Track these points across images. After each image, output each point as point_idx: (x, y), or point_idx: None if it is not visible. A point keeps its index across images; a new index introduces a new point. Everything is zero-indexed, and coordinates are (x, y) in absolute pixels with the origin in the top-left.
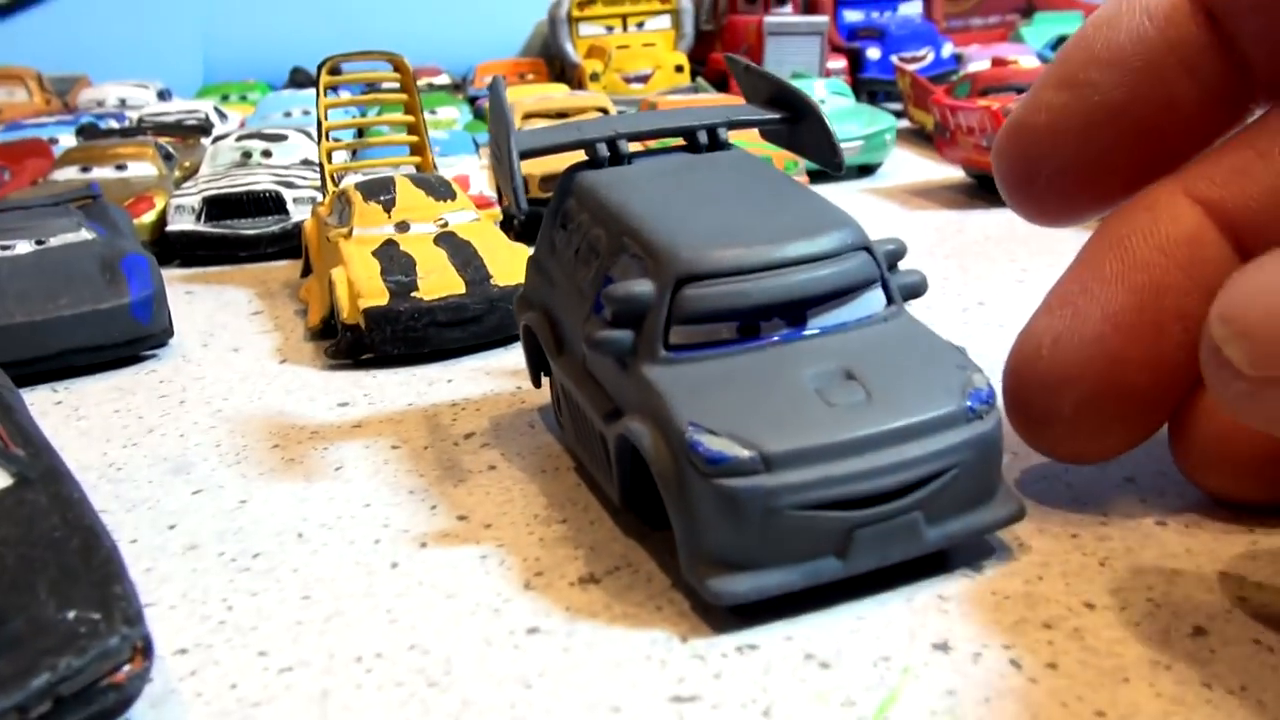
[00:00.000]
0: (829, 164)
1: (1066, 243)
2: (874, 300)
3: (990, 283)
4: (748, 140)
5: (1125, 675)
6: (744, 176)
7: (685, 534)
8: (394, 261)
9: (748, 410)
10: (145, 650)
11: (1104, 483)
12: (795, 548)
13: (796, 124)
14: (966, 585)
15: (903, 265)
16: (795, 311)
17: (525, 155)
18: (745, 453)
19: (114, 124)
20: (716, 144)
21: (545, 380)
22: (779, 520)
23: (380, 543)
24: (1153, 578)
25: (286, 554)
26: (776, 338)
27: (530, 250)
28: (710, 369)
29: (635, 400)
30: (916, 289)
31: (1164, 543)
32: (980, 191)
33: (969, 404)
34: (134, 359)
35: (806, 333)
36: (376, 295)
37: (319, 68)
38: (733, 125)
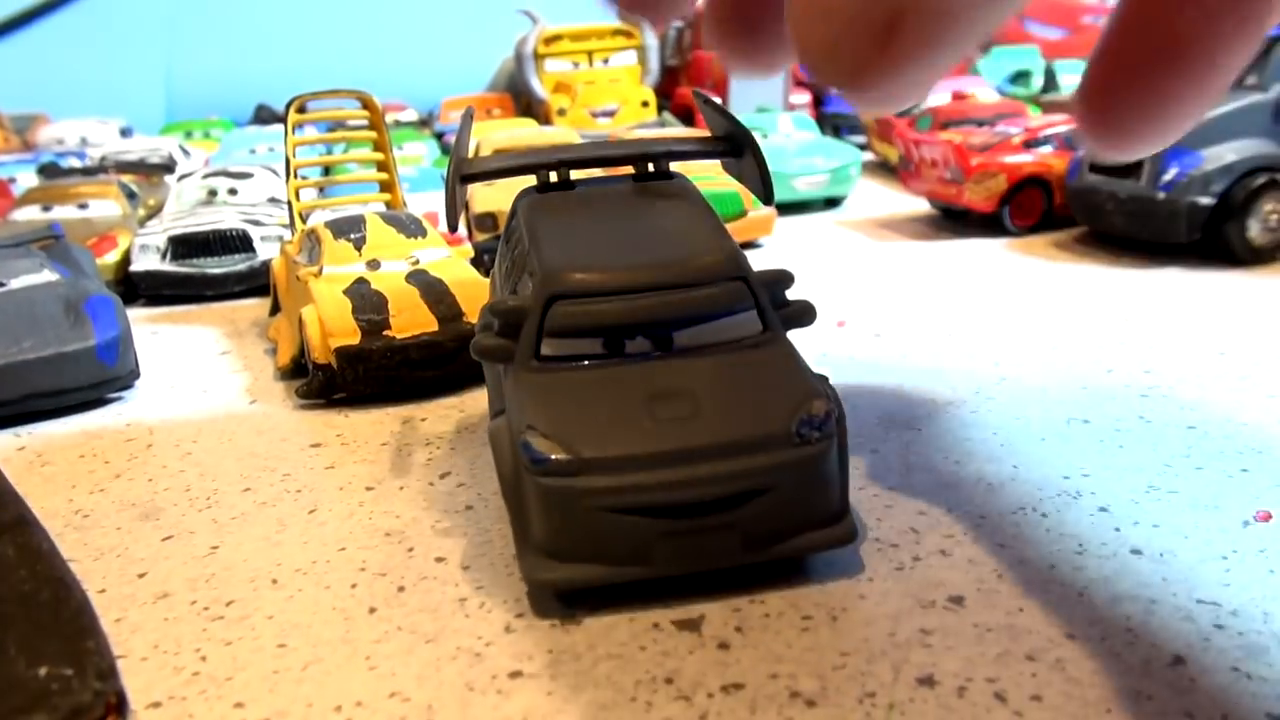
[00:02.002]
0: (761, 197)
1: (1050, 275)
2: (746, 324)
3: (960, 311)
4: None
5: (1108, 706)
6: (665, 205)
7: (516, 523)
8: (365, 300)
9: (581, 418)
10: (119, 706)
11: (1078, 512)
12: (605, 546)
13: (739, 158)
14: (948, 618)
15: (798, 295)
16: (658, 331)
17: (475, 178)
18: (564, 456)
19: (75, 162)
20: (661, 174)
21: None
22: (590, 518)
23: (357, 587)
24: (1130, 607)
25: (261, 601)
26: (639, 355)
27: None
28: (569, 379)
29: (506, 403)
30: (800, 316)
31: (1139, 572)
32: (945, 222)
33: (797, 429)
34: (100, 402)
35: (671, 350)
36: (348, 334)
37: (287, 106)
38: (672, 157)
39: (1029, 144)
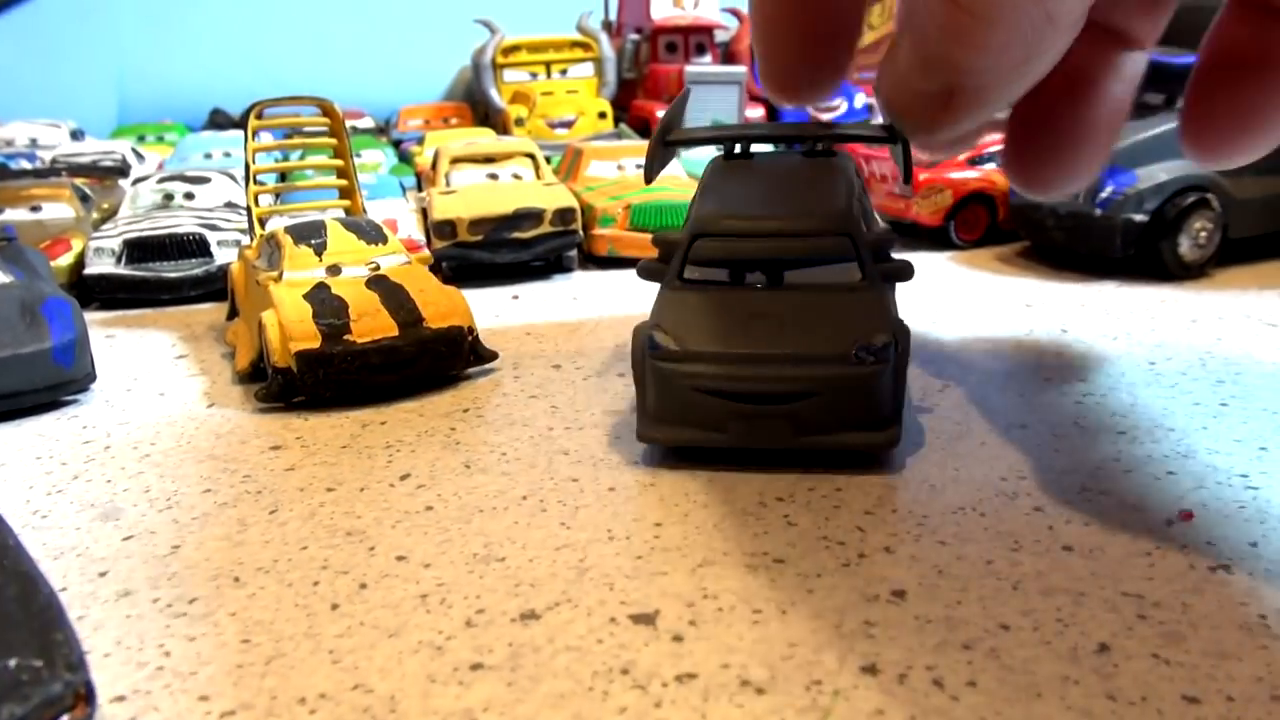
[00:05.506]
0: (902, 178)
1: (994, 287)
2: (850, 272)
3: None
4: None
5: (1038, 691)
6: (814, 174)
7: (639, 396)
8: (325, 304)
9: (695, 324)
10: (87, 696)
11: (1015, 511)
12: (694, 417)
13: (895, 144)
14: (892, 611)
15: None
16: (771, 268)
17: (676, 144)
18: (673, 347)
19: (25, 164)
20: (825, 151)
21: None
22: (684, 394)
23: (319, 584)
24: (1061, 599)
25: (223, 598)
26: (754, 285)
27: (458, 290)
28: (696, 296)
29: (651, 310)
30: (899, 273)
31: (1070, 567)
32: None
33: (855, 352)
34: (56, 404)
35: (780, 284)
36: (308, 338)
37: (246, 112)
38: (834, 139)
39: (974, 161)
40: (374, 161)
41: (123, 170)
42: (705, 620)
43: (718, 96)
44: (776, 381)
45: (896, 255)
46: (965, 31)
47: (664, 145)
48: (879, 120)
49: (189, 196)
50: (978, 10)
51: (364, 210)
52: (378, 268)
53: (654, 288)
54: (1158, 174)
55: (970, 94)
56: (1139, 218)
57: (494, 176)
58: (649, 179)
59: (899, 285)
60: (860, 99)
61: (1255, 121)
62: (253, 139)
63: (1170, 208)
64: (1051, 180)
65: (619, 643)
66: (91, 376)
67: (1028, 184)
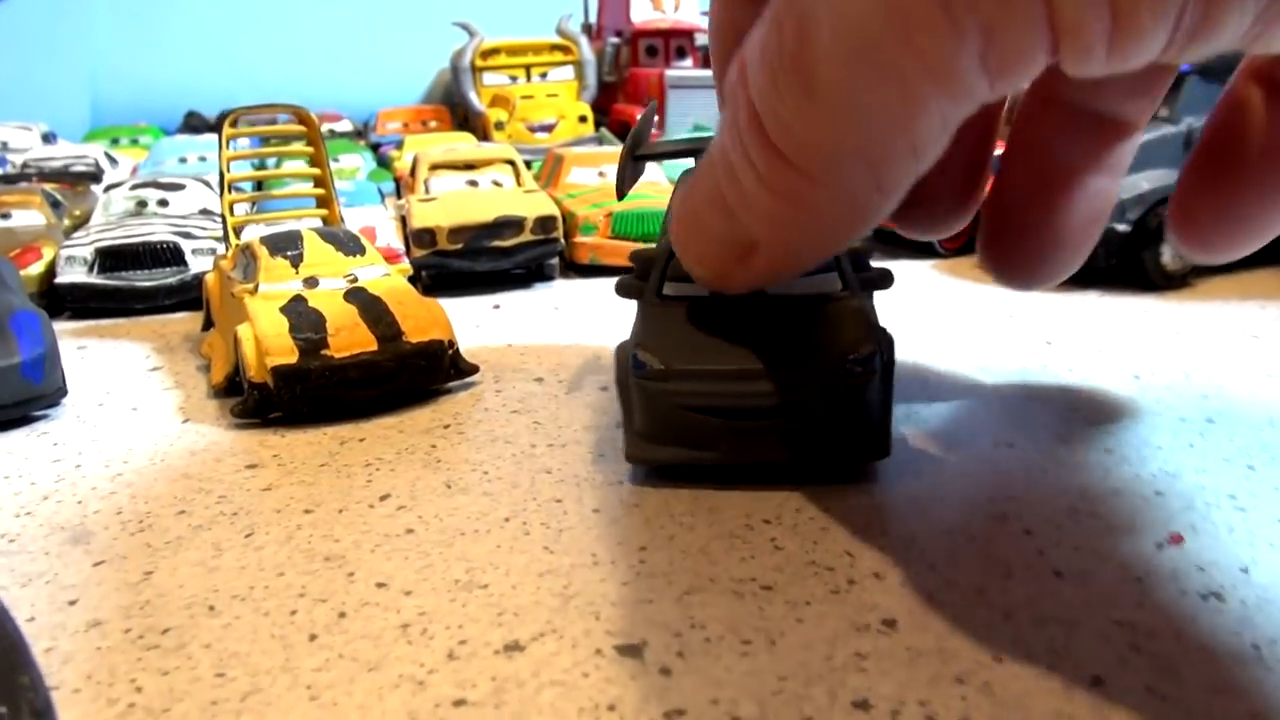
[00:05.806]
0: None
1: (976, 297)
2: (831, 283)
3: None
4: None
5: None
6: None
7: (625, 416)
8: (303, 318)
9: (678, 340)
10: None
11: (1004, 534)
12: (685, 435)
13: None
14: (883, 642)
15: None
16: None
17: (645, 158)
18: (659, 366)
19: None
20: None
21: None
22: (673, 413)
23: (297, 614)
24: (1054, 629)
25: (198, 628)
26: (735, 298)
27: (438, 303)
28: (677, 312)
29: (632, 328)
30: (879, 281)
31: (1062, 594)
32: (876, 243)
33: (843, 363)
34: (25, 420)
35: (762, 296)
36: (285, 353)
37: (220, 119)
38: None
39: None
40: (352, 166)
41: (95, 175)
42: (693, 652)
43: (699, 101)
44: (766, 396)
45: (878, 263)
46: (786, 200)
47: (634, 160)
48: None
49: (163, 203)
50: (804, 172)
51: (341, 220)
52: (356, 280)
53: (634, 302)
54: (1140, 183)
55: (773, 249)
56: (1121, 227)
57: (474, 183)
58: (620, 195)
59: (878, 294)
60: None
61: (1258, 219)
62: (226, 147)
63: (1153, 217)
64: (1026, 277)
65: (605, 676)
66: (62, 391)
67: (1001, 278)
